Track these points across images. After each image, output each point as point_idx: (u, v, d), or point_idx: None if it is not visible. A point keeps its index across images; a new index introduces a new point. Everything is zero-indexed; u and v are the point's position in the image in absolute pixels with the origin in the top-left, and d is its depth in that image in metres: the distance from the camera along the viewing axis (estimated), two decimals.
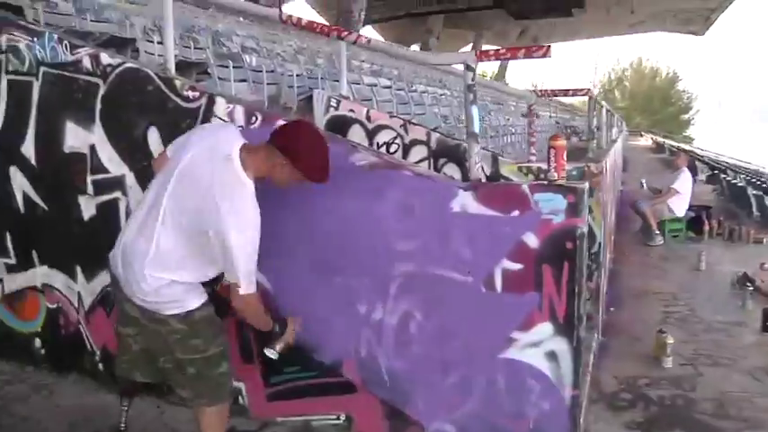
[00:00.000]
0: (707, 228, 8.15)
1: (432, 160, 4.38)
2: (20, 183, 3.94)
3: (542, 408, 2.80)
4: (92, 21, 6.36)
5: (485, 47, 38.47)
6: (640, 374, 3.95)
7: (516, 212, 2.69)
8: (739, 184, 10.92)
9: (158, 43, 5.88)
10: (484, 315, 2.80)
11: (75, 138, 3.55)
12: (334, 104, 4.56)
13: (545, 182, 2.73)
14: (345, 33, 4.18)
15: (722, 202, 11.03)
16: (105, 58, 3.42)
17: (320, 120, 4.55)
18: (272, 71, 6.34)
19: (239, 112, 3.13)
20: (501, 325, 2.79)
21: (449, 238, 2.79)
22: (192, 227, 2.47)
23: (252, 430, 3.36)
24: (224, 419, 2.84)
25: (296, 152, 2.51)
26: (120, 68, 3.38)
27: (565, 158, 2.69)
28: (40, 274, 4.03)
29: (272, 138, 2.55)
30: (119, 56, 3.51)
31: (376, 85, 7.77)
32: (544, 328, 2.73)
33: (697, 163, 14.05)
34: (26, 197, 3.96)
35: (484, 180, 4.25)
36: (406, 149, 4.47)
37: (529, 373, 2.79)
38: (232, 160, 2.46)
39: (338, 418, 3.29)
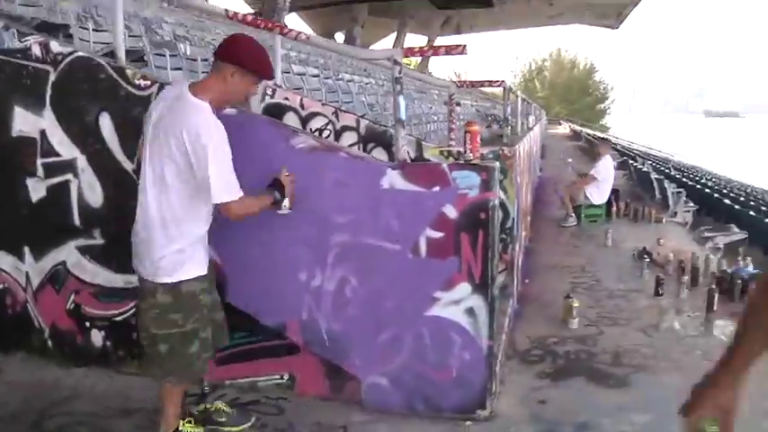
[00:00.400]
0: (615, 209, 8.86)
1: (361, 145, 4.73)
2: None
3: (463, 358, 3.24)
4: (20, 5, 6.34)
5: (408, 36, 39.09)
6: (550, 335, 4.48)
7: (437, 188, 3.10)
8: (644, 170, 11.86)
9: (94, 30, 5.97)
10: (411, 278, 3.20)
11: (25, 122, 3.70)
12: (270, 93, 4.84)
13: (461, 161, 3.14)
14: (287, 30, 4.45)
15: (630, 186, 11.98)
16: (56, 46, 3.59)
17: (257, 107, 4.82)
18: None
19: None
20: (426, 286, 3.20)
21: (379, 211, 3.17)
22: (173, 174, 2.57)
23: (199, 393, 3.62)
24: (182, 393, 3.01)
25: (241, 56, 2.62)
26: (72, 57, 3.56)
27: (479, 141, 3.11)
28: None
29: (216, 56, 2.68)
30: (69, 45, 3.67)
31: (305, 74, 8.06)
32: (463, 288, 3.16)
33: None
34: None
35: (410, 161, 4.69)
36: (338, 135, 4.81)
37: (451, 328, 3.21)
38: (183, 95, 2.59)
39: (282, 378, 3.62)
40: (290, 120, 4.93)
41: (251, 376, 3.66)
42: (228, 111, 3.28)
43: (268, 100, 4.90)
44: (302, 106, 4.90)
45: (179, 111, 2.55)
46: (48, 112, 3.63)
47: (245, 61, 2.64)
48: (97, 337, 3.88)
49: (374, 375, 3.37)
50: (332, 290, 3.31)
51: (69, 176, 3.68)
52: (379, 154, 4.80)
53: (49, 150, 3.67)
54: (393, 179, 3.13)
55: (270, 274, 3.39)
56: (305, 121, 4.92)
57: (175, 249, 2.67)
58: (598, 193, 8.70)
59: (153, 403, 3.46)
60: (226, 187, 2.59)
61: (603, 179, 8.74)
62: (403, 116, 3.15)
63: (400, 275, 3.21)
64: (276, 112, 4.89)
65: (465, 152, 3.10)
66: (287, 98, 4.94)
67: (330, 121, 4.87)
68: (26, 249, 3.93)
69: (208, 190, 2.57)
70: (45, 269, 3.90)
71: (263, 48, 2.76)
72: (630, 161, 13.86)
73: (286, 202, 2.95)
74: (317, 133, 4.92)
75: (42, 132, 3.67)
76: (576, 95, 52.84)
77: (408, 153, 4.67)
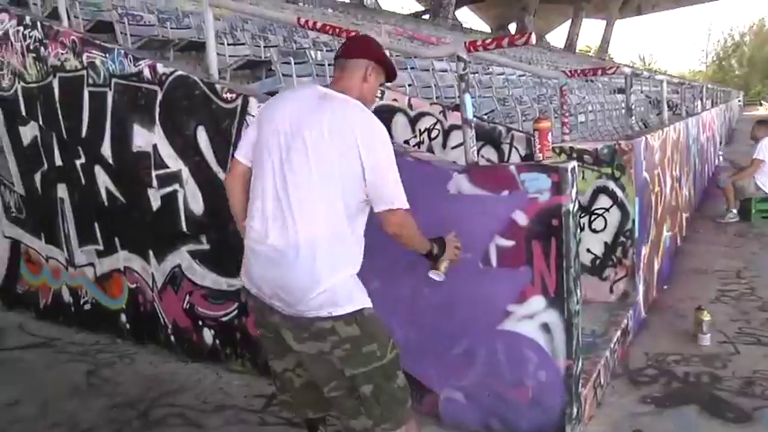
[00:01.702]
0: None
1: None
2: (102, 180, 4.57)
3: (539, 378, 2.97)
4: (172, 29, 7.03)
5: (585, 20, 37.04)
6: (673, 351, 3.95)
7: (506, 192, 2.87)
8: None
9: (229, 45, 6.44)
10: (483, 289, 3.00)
11: (141, 138, 4.09)
12: (379, 95, 4.84)
13: (531, 162, 2.88)
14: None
15: None
16: (161, 67, 3.91)
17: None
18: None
19: None
20: (498, 298, 2.98)
21: (448, 217, 3.01)
22: (327, 182, 2.16)
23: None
24: None
25: (376, 52, 2.40)
26: (173, 76, 3.86)
27: (549, 140, 2.83)
28: (123, 258, 4.66)
29: (347, 55, 2.36)
30: (171, 65, 3.98)
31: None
32: (537, 301, 2.90)
33: None
34: (108, 192, 4.58)
35: (520, 161, 4.43)
36: (446, 134, 4.68)
37: (526, 344, 2.97)
38: (331, 94, 2.25)
39: None
40: (400, 121, 4.92)
41: None
42: None
43: (378, 102, 4.91)
44: (410, 106, 4.84)
45: (339, 110, 2.20)
46: (157, 128, 3.96)
47: (381, 58, 2.40)
48: (208, 335, 4.16)
49: (450, 389, 3.22)
50: (405, 297, 3.21)
51: (176, 186, 3.98)
52: (488, 152, 4.61)
53: (161, 163, 4.01)
54: (460, 183, 2.96)
55: None
56: (414, 121, 4.87)
57: (349, 271, 2.26)
58: None
59: (247, 401, 3.66)
60: (401, 193, 2.25)
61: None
62: (470, 115, 2.96)
63: (472, 286, 3.03)
64: (387, 113, 4.89)
65: (534, 152, 2.82)
66: (396, 99, 4.91)
67: (438, 120, 4.76)
68: (150, 253, 4.35)
69: (380, 197, 2.22)
70: (166, 271, 4.27)
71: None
72: None
73: (442, 267, 2.52)
74: (425, 134, 4.84)
75: (155, 147, 4.01)
76: None
77: (518, 151, 4.41)
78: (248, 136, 2.40)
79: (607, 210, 4.24)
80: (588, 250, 4.30)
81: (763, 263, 5.80)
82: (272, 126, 2.25)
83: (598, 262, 4.34)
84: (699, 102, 10.72)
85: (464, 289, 3.04)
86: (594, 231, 4.27)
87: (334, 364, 2.22)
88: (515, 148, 4.46)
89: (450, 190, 2.98)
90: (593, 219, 4.27)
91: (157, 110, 3.96)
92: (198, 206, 3.95)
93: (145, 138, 4.07)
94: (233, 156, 2.47)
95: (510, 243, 2.90)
